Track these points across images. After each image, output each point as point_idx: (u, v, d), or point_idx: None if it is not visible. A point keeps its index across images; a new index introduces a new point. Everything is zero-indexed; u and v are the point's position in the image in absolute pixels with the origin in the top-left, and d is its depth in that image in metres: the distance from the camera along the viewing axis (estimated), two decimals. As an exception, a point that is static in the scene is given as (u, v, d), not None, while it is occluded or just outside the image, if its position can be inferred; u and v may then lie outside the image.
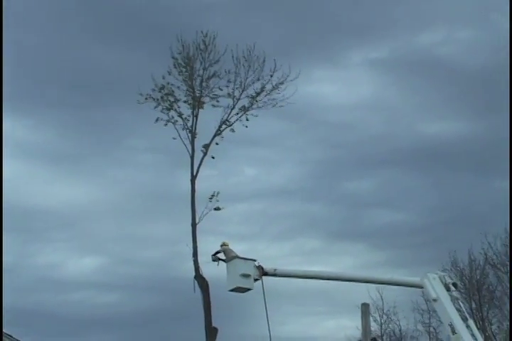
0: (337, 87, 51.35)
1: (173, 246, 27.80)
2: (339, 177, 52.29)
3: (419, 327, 40.23)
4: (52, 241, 51.81)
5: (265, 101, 30.28)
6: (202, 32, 30.30)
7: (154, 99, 29.90)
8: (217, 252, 17.50)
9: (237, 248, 17.53)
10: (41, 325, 44.09)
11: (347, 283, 18.22)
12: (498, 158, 44.55)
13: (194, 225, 28.88)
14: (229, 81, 30.20)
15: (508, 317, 36.90)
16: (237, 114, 30.26)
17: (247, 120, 30.30)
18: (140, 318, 44.10)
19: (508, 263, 37.72)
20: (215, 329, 27.88)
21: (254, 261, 17.11)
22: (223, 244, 17.48)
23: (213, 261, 17.80)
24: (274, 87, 30.26)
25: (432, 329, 39.75)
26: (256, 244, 47.29)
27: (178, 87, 30.06)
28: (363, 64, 51.66)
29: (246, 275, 16.68)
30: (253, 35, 38.13)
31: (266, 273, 16.93)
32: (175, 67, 30.17)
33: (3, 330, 15.12)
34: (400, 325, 40.72)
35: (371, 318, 38.14)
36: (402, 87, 52.18)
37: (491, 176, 48.50)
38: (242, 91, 30.31)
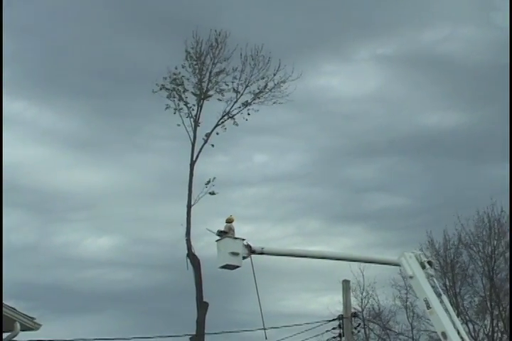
0: (344, 80, 52.02)
1: (183, 227, 28.46)
2: (342, 164, 52.72)
3: (397, 302, 40.41)
4: (72, 222, 52.15)
5: (266, 97, 30.49)
6: (215, 31, 30.46)
7: (167, 89, 30.12)
8: (224, 231, 17.33)
9: (244, 229, 17.51)
10: (58, 299, 44.70)
11: (337, 261, 18.25)
12: (490, 145, 45.46)
13: (189, 207, 29.17)
14: (234, 77, 30.40)
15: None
16: (240, 107, 30.46)
17: (249, 114, 30.52)
18: (150, 294, 44.91)
19: (480, 243, 37.96)
20: (206, 304, 28.13)
21: (243, 240, 17.06)
22: (229, 219, 17.35)
23: (218, 235, 17.62)
24: (276, 86, 30.44)
25: (408, 304, 39.90)
26: (261, 225, 48.00)
27: (188, 79, 30.31)
28: (370, 59, 52.11)
29: (235, 254, 16.65)
30: (265, 32, 39.53)
31: (254, 252, 16.88)
32: (187, 60, 30.36)
33: (7, 303, 15.00)
34: (378, 300, 40.85)
35: (353, 294, 38.38)
36: (406, 81, 52.91)
37: (483, 163, 49.39)
38: (246, 87, 30.52)
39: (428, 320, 27.85)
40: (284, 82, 30.42)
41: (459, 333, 15.36)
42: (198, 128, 30.12)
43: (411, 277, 16.03)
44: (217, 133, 30.30)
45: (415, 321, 39.56)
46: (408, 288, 37.74)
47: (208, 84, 30.37)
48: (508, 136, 30.88)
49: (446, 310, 15.52)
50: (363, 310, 39.03)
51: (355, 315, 20.94)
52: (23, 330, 15.60)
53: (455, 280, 38.40)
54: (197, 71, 30.39)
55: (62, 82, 45.30)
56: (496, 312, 37.11)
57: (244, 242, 16.96)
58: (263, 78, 30.54)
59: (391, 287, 39.68)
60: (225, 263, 16.74)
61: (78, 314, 44.83)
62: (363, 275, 39.77)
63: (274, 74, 30.41)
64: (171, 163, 39.94)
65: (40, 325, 16.08)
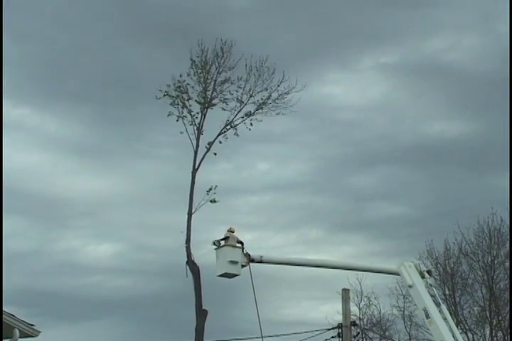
0: (348, 89, 51.98)
1: (183, 234, 28.52)
2: (344, 173, 52.61)
3: (395, 311, 40.26)
4: (73, 228, 52.35)
5: (269, 108, 30.45)
6: (221, 40, 30.40)
7: (171, 97, 30.07)
8: (222, 239, 17.25)
9: (246, 237, 17.37)
10: (58, 306, 44.84)
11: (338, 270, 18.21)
12: (492, 155, 45.38)
13: (190, 214, 29.08)
14: (239, 87, 30.34)
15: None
16: (242, 117, 30.42)
17: (251, 125, 30.44)
18: (149, 301, 44.52)
19: (480, 252, 37.88)
20: (205, 311, 28.03)
21: (242, 248, 16.97)
22: (230, 230, 17.29)
23: (214, 244, 17.53)
24: (280, 97, 30.40)
25: (406, 313, 39.77)
26: (263, 233, 47.88)
27: (193, 87, 30.28)
28: (373, 68, 52.19)
29: (234, 262, 16.56)
30: (269, 40, 39.85)
31: (253, 260, 16.76)
32: (192, 68, 30.30)
33: (5, 310, 14.94)
34: (379, 308, 40.70)
35: (355, 302, 38.37)
36: (409, 90, 52.81)
37: (485, 172, 49.25)
38: (250, 97, 30.46)
39: (427, 329, 27.78)
40: (287, 93, 30.41)
41: (457, 343, 15.30)
42: (201, 136, 30.07)
43: (410, 286, 15.98)
44: (220, 142, 30.31)
45: (414, 330, 39.46)
46: (406, 297, 37.65)
47: (212, 93, 30.34)
48: (508, 145, 30.87)
49: (446, 319, 15.46)
50: (361, 319, 38.94)
51: (354, 324, 20.91)
52: (22, 337, 15.55)
53: (455, 289, 38.31)
54: (202, 80, 30.36)
55: (65, 89, 45.56)
56: (495, 322, 37.01)
57: (244, 250, 16.90)
58: (267, 89, 30.54)
59: (388, 296, 39.61)
60: (223, 272, 16.65)
61: (78, 321, 44.88)
62: (360, 284, 39.72)
63: (278, 86, 30.40)
64: (173, 170, 40.00)
65: (39, 332, 16.03)
